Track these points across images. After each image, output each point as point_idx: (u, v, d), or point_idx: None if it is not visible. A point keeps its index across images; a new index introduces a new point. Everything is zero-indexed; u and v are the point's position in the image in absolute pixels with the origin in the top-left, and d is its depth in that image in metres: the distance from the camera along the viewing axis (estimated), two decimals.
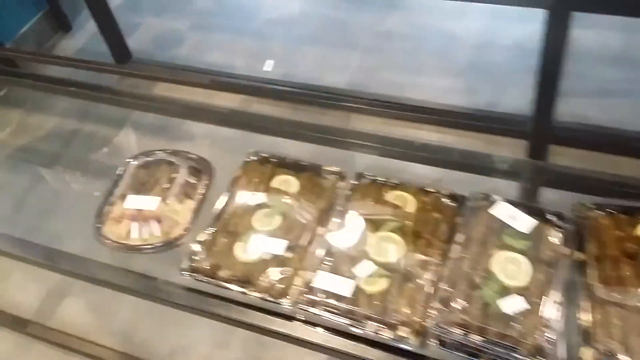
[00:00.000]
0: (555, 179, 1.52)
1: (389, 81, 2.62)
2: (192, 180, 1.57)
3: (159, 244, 1.47)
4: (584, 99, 2.53)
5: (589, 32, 2.65)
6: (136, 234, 1.47)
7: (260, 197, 1.50)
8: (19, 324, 2.10)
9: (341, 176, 1.55)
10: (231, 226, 1.48)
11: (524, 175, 1.54)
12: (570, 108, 2.14)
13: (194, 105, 2.05)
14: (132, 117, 2.53)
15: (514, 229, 1.32)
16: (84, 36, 3.03)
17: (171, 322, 2.03)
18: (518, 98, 2.45)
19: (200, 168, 1.60)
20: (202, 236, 1.46)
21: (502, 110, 2.31)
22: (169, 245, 1.46)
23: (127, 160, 1.67)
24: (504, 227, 1.33)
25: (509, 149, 2.13)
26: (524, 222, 1.31)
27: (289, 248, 1.41)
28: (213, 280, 1.39)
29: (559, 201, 1.57)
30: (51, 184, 2.42)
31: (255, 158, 1.62)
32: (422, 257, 1.35)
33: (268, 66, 2.74)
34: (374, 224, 1.44)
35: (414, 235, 1.40)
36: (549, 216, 1.33)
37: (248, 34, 2.93)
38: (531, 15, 2.72)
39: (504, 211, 1.32)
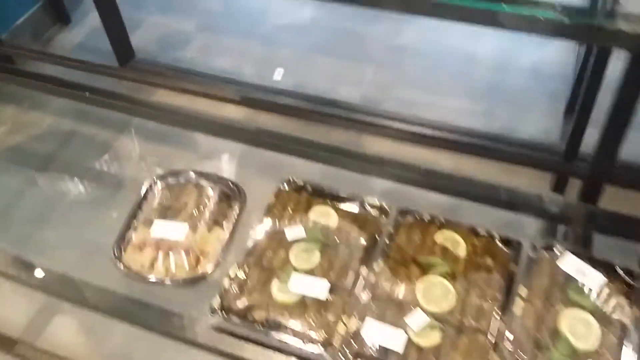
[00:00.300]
0: (610, 225, 1.43)
1: (404, 99, 2.52)
2: (222, 206, 1.44)
3: (186, 278, 1.33)
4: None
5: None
6: (161, 264, 1.33)
7: (297, 230, 1.38)
8: (4, 343, 1.93)
9: (383, 211, 1.43)
10: (266, 261, 1.36)
11: (577, 220, 1.45)
12: (587, 138, 2.07)
13: (200, 116, 1.93)
14: (134, 119, 2.37)
15: (581, 284, 1.22)
16: (83, 30, 2.86)
17: (169, 347, 1.88)
18: (536, 123, 2.38)
19: (231, 193, 1.46)
20: (234, 271, 1.33)
21: (529, 139, 2.22)
22: (197, 279, 1.33)
23: (152, 180, 1.52)
24: (568, 281, 1.24)
25: (529, 180, 2.04)
26: (593, 278, 1.21)
27: (331, 289, 1.29)
28: (247, 322, 1.26)
29: (612, 249, 1.49)
30: (45, 190, 2.25)
31: (289, 186, 1.50)
32: (477, 307, 1.25)
33: (278, 75, 2.61)
34: (421, 267, 1.33)
35: (466, 282, 1.30)
36: (618, 271, 1.23)
37: (257, 39, 2.79)
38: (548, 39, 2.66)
39: (572, 265, 1.22)
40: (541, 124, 2.39)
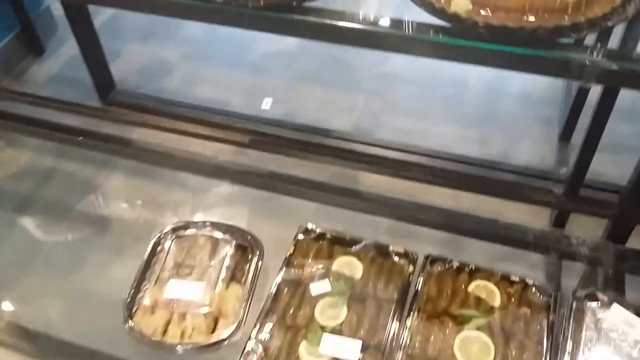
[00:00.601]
0: None
1: (397, 126, 2.46)
2: (239, 259, 1.33)
3: (205, 342, 1.22)
4: (596, 153, 2.45)
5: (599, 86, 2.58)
6: (176, 328, 1.22)
7: (322, 285, 1.29)
8: None
9: (410, 258, 1.35)
10: (289, 318, 1.26)
11: (607, 261, 1.39)
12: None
13: (187, 156, 1.89)
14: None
15: (630, 337, 1.15)
16: (58, 61, 2.71)
17: None
18: (531, 149, 2.34)
19: (246, 245, 1.36)
20: (257, 332, 1.23)
21: (534, 171, 2.16)
22: (217, 343, 1.22)
23: (161, 233, 1.40)
24: (616, 332, 1.17)
25: (526, 212, 1.99)
26: None
27: (362, 348, 1.20)
28: None
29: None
30: (25, 233, 2.11)
31: (307, 234, 1.40)
32: None
33: (267, 104, 2.53)
34: (455, 320, 1.25)
35: (504, 334, 1.23)
36: None
37: (244, 68, 2.70)
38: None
39: (618, 316, 1.16)
40: (536, 150, 2.35)
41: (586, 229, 1.82)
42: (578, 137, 2.23)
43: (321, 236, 1.39)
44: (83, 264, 1.97)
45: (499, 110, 2.54)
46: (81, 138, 1.71)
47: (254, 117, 2.38)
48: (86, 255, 1.99)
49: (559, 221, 1.90)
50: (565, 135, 2.32)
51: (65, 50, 2.73)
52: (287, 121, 2.40)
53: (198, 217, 1.85)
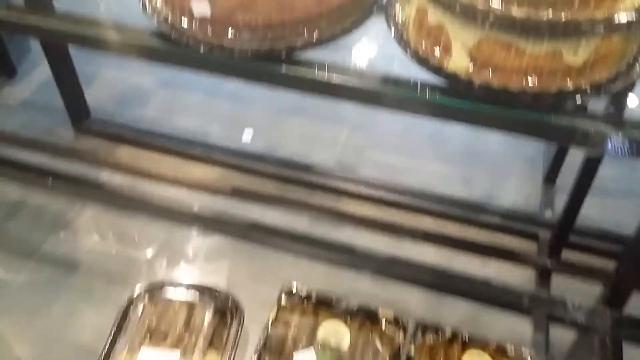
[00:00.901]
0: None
1: (381, 163, 2.40)
2: (217, 325, 1.24)
3: None
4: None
5: None
6: None
7: (306, 355, 1.20)
8: None
9: (400, 325, 1.28)
10: None
11: (603, 326, 1.33)
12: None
13: (161, 203, 1.86)
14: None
15: None
16: (30, 85, 2.61)
17: None
18: (515, 191, 2.30)
19: (225, 309, 1.27)
20: None
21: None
22: None
23: (133, 295, 1.31)
24: None
25: (508, 270, 1.93)
26: None
27: None
28: None
29: None
30: None
31: (291, 297, 1.32)
32: None
33: (247, 136, 2.46)
34: None
35: None
36: None
37: (223, 97, 2.62)
38: None
39: None
40: (520, 192, 2.31)
41: (574, 281, 1.77)
42: (562, 179, 2.19)
43: (306, 298, 1.31)
44: (50, 307, 1.87)
45: (483, 149, 2.50)
46: (50, 180, 1.60)
47: (234, 151, 2.32)
48: (54, 298, 1.89)
49: (543, 278, 1.84)
50: (550, 177, 2.29)
51: (38, 73, 2.63)
52: (268, 155, 2.33)
53: (174, 265, 1.77)
